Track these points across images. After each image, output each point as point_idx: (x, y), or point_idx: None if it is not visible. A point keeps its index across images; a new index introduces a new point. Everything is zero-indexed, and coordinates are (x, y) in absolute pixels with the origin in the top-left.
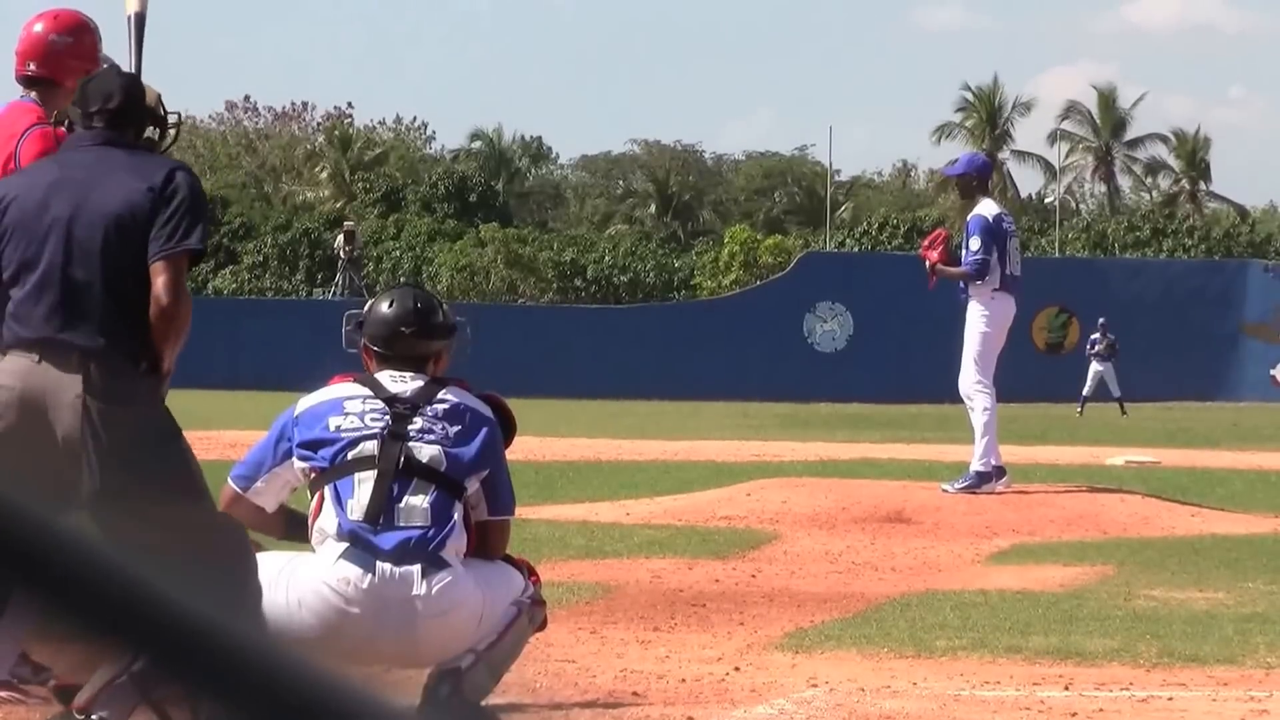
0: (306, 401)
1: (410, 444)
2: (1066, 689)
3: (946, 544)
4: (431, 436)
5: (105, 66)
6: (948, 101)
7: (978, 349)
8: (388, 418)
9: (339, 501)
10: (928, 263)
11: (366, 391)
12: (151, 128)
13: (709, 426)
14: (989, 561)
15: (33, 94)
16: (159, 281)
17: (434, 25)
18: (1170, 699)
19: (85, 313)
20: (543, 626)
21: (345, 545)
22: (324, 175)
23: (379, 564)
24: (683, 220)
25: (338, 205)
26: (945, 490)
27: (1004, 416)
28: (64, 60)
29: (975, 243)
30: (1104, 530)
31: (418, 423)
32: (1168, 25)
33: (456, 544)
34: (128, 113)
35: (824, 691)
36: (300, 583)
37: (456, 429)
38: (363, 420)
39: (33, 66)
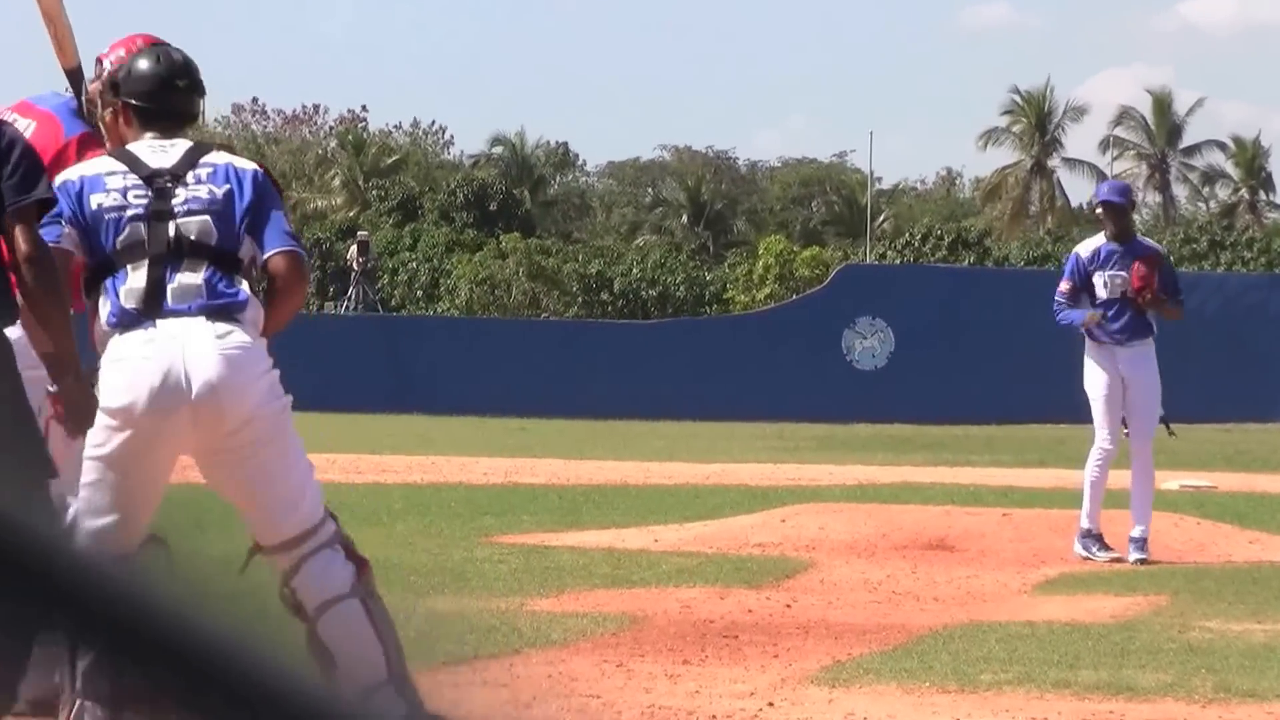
0: (66, 175)
1: (178, 220)
2: None
3: (992, 573)
4: (199, 205)
5: None
6: (994, 105)
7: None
8: (150, 194)
9: (114, 290)
10: (1132, 290)
11: (124, 167)
12: None
13: (742, 448)
14: (1036, 591)
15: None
16: (16, 237)
17: (453, 24)
18: None
19: None
20: (364, 568)
21: (120, 328)
22: (336, 182)
23: (159, 320)
24: (715, 231)
25: (351, 214)
26: (1135, 561)
27: (1052, 438)
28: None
29: (1180, 282)
30: (1157, 558)
31: (181, 195)
32: (1227, 26)
33: (253, 318)
34: None
35: None
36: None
37: (225, 189)
38: (125, 198)
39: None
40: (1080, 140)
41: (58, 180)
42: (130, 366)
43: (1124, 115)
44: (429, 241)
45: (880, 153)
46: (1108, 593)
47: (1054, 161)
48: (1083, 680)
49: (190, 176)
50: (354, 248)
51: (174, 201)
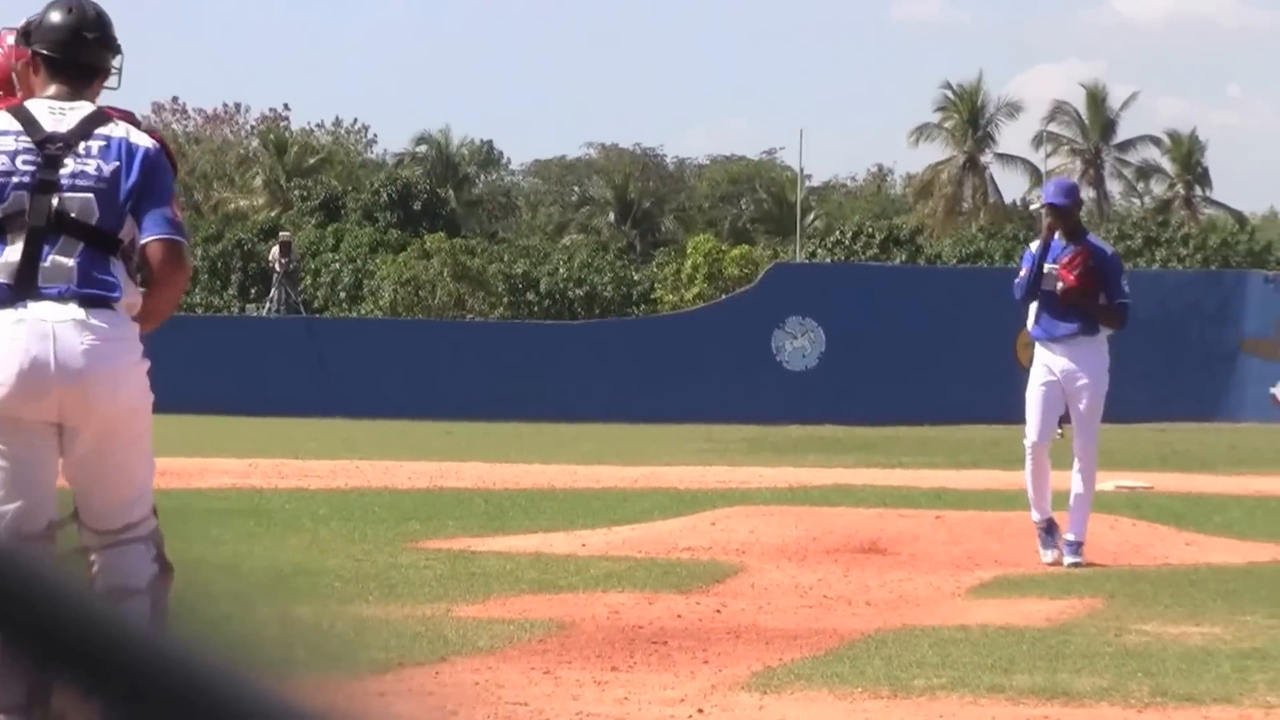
0: None
1: (63, 194)
2: None
3: (925, 576)
4: (85, 181)
5: None
6: (927, 101)
7: (1102, 408)
8: (39, 160)
9: None
10: (1061, 285)
11: (19, 128)
12: None
13: (670, 451)
14: (970, 595)
15: None
16: None
17: (376, 21)
18: None
19: None
20: (167, 573)
21: None
22: (258, 182)
23: (30, 301)
24: (643, 230)
25: (273, 214)
26: (1070, 565)
27: (987, 439)
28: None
29: (1126, 285)
30: (1093, 560)
31: (70, 165)
32: (1161, 20)
33: (128, 303)
34: None
35: None
36: None
37: (113, 166)
38: (14, 163)
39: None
40: (1013, 136)
41: None
42: None
43: (1057, 110)
44: (352, 242)
45: (810, 150)
46: (1042, 596)
47: (987, 158)
48: (1017, 684)
49: (82, 146)
50: (276, 248)
51: (61, 172)
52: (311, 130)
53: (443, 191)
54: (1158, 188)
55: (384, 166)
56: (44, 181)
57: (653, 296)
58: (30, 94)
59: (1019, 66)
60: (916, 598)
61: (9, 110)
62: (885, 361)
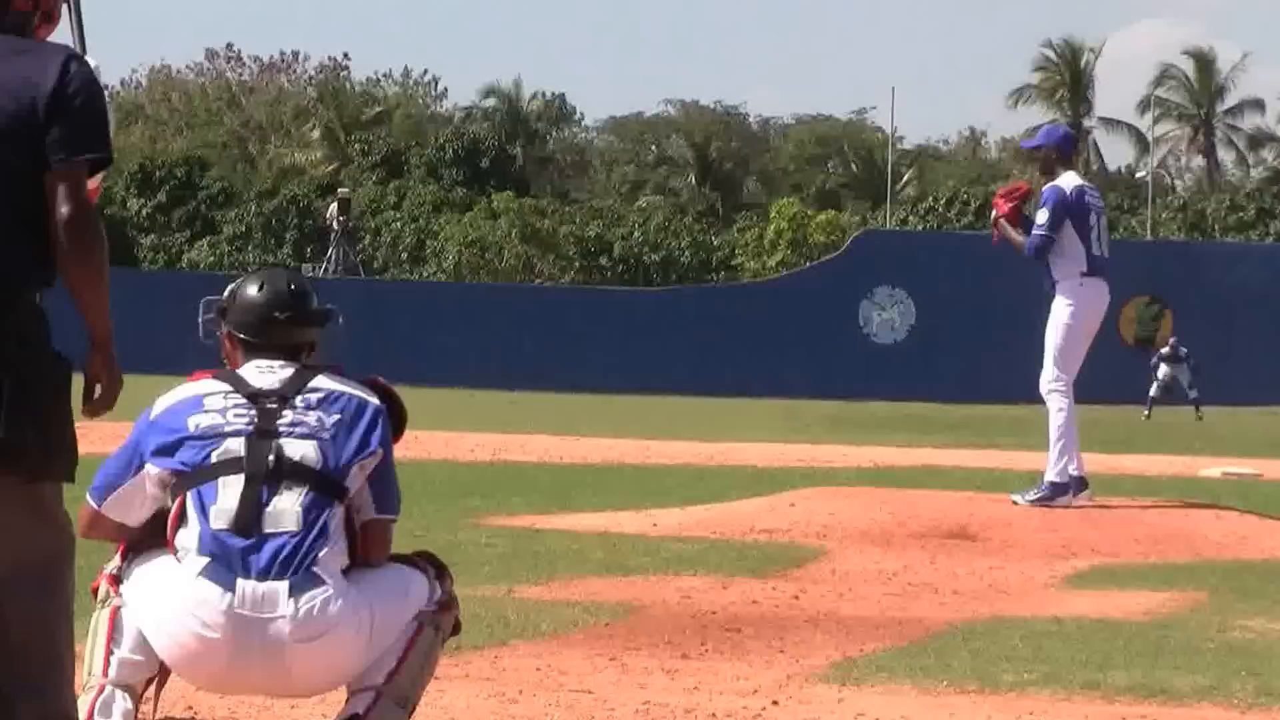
0: (163, 402)
1: (280, 440)
2: None
3: (1017, 565)
4: (304, 429)
5: None
6: (1025, 60)
7: (1059, 342)
8: (253, 412)
9: (202, 510)
10: (994, 212)
11: (227, 387)
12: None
13: (749, 427)
14: (1065, 585)
15: None
16: (58, 195)
17: None
18: None
19: None
20: (456, 630)
21: (206, 561)
22: (316, 135)
23: (240, 582)
24: (723, 192)
25: (331, 169)
26: (1015, 502)
27: (1086, 420)
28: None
29: (1043, 216)
30: (1196, 551)
31: (288, 416)
32: None
33: (333, 552)
34: None
35: None
36: (157, 601)
37: (334, 419)
38: (225, 417)
39: None
40: (1118, 99)
41: (155, 409)
42: (188, 633)
43: (1165, 75)
44: (415, 200)
45: (902, 110)
46: (1141, 588)
47: (1090, 122)
48: (1113, 682)
49: (299, 400)
50: (334, 205)
51: (279, 422)
52: (377, 81)
53: (511, 148)
54: (1270, 156)
55: (450, 121)
56: (261, 429)
57: (733, 263)
58: (233, 368)
59: (1122, 21)
60: (1007, 587)
61: (216, 374)
62: (979, 336)
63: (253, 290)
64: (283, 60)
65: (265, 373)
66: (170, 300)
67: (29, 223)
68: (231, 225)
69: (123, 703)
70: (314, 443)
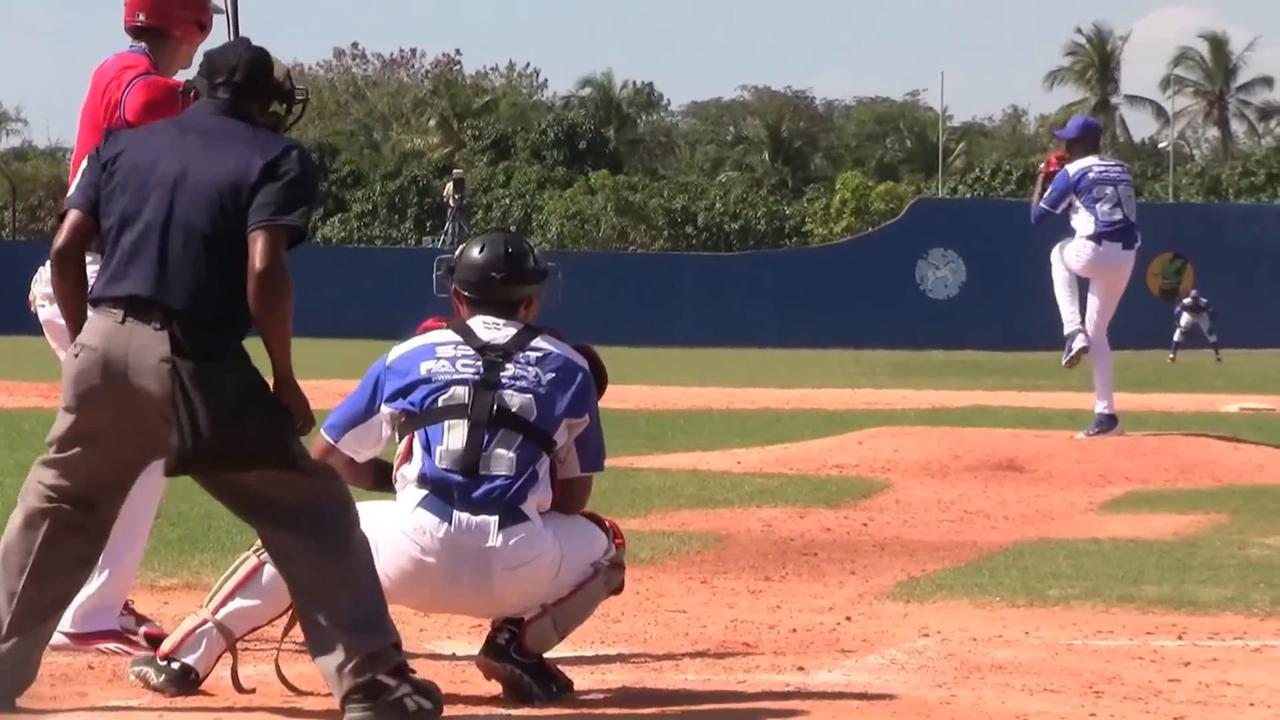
0: (399, 349)
1: (502, 391)
2: (1180, 638)
3: (1059, 492)
4: (524, 384)
5: (234, 40)
6: (1060, 45)
7: (1054, 286)
8: (480, 364)
9: (427, 448)
10: (1043, 167)
11: (458, 338)
12: (277, 103)
13: (820, 374)
14: (1102, 510)
15: (142, 44)
16: (256, 249)
17: None
18: None
19: (179, 274)
20: (619, 590)
21: (425, 493)
22: (432, 123)
23: (456, 513)
24: (794, 167)
25: (446, 153)
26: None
27: (1118, 364)
28: (173, 10)
29: (1047, 192)
30: (1218, 478)
31: (510, 369)
32: None
33: (538, 497)
34: (252, 86)
35: (936, 641)
36: (377, 529)
37: (550, 377)
38: (454, 366)
39: (142, 17)
40: (1141, 78)
41: (391, 356)
42: (406, 557)
43: (1183, 56)
44: (521, 179)
45: (950, 91)
46: (1170, 511)
47: (1117, 99)
48: (1146, 595)
49: (520, 356)
50: (450, 185)
51: (502, 375)
52: (486, 74)
53: (606, 131)
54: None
55: (551, 108)
56: (486, 380)
57: (804, 230)
58: (461, 319)
59: (1143, 8)
60: (1051, 513)
61: (449, 324)
62: (1022, 290)
63: (475, 252)
64: (402, 57)
65: (492, 329)
66: (309, 270)
67: (230, 275)
68: (359, 204)
69: (214, 642)
70: (531, 396)
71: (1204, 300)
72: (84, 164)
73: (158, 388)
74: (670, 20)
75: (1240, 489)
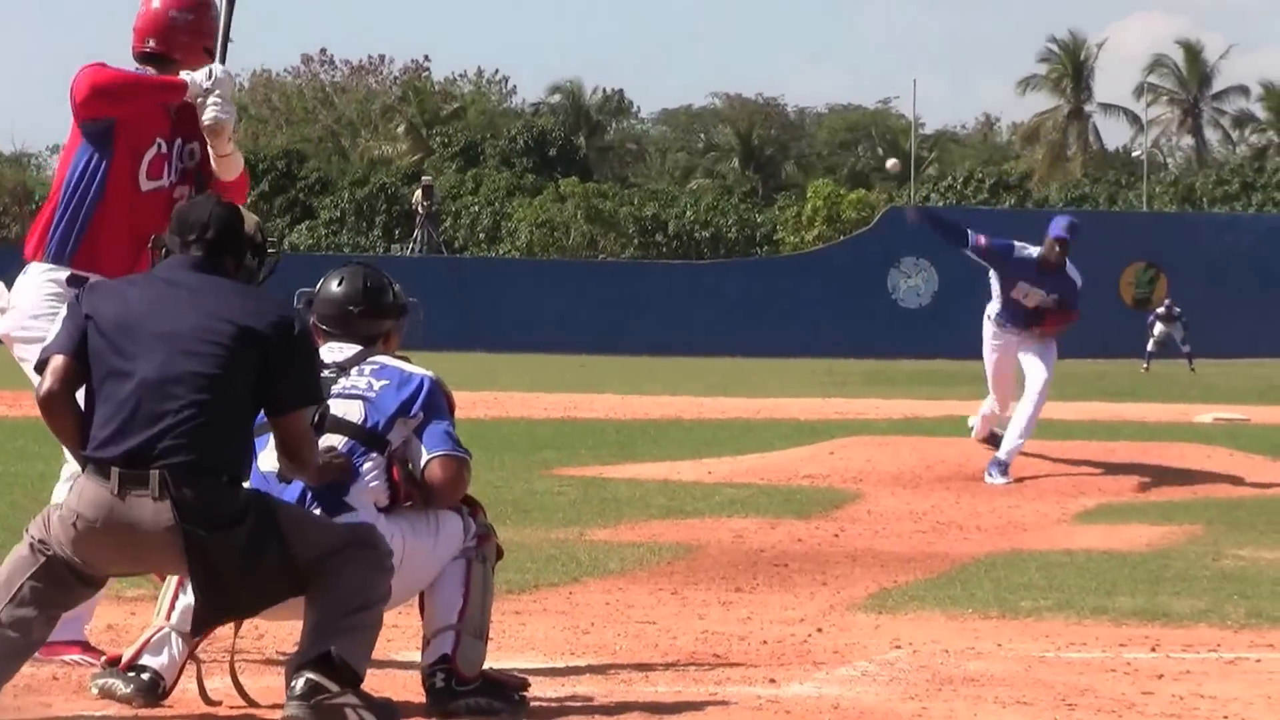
0: None
1: (331, 401)
2: (1153, 650)
3: (1032, 503)
4: (355, 391)
5: (203, 197)
6: (1032, 52)
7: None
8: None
9: (254, 456)
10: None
11: None
12: (250, 256)
13: (791, 384)
14: (1075, 521)
15: (149, 70)
16: (292, 434)
17: None
18: (1259, 661)
19: (177, 429)
20: (500, 556)
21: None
22: (401, 130)
23: None
24: (765, 174)
25: (415, 160)
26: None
27: (1091, 373)
28: (181, 37)
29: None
30: (1192, 489)
31: (343, 382)
32: None
33: (364, 489)
34: (225, 241)
35: (908, 653)
36: None
37: (383, 384)
38: None
39: (152, 43)
40: (1114, 86)
41: None
42: None
43: (1157, 63)
44: (491, 186)
45: (922, 99)
46: (1143, 522)
47: (1090, 107)
48: (1119, 606)
49: (354, 370)
50: (419, 192)
51: (332, 388)
52: (454, 80)
53: (576, 138)
54: (1253, 136)
55: (521, 115)
56: None
57: (775, 238)
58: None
59: (1117, 14)
60: (1024, 524)
61: None
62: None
63: (334, 285)
64: (370, 63)
65: (335, 351)
66: (275, 280)
67: (229, 424)
68: (327, 211)
69: (174, 645)
70: (359, 401)
71: (1177, 310)
72: (62, 311)
73: (168, 549)
74: (640, 27)
75: (1214, 500)
